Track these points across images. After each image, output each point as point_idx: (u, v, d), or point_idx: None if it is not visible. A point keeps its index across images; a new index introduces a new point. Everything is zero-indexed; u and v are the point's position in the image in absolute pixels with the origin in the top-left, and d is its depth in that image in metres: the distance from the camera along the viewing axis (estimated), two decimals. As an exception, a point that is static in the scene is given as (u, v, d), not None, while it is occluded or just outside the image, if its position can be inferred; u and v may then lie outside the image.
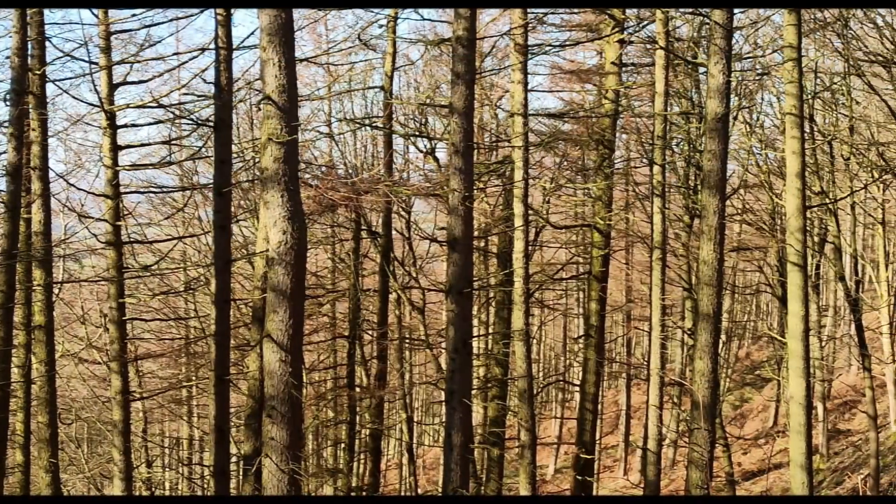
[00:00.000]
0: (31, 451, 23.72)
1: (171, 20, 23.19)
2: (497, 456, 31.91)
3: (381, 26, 29.48)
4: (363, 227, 31.95)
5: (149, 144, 26.61)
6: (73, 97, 26.04)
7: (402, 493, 45.14)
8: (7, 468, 23.47)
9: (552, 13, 28.11)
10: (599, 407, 40.09)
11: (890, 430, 34.73)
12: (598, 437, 38.38)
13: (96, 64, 23.44)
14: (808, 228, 25.92)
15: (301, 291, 15.09)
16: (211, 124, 22.01)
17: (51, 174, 23.02)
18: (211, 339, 22.83)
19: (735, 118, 28.74)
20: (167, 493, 46.68)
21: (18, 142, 19.84)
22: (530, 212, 26.27)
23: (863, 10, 23.09)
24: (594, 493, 34.76)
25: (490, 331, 36.56)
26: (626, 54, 29.46)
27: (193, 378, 36.93)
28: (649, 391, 26.17)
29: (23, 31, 19.64)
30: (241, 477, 23.25)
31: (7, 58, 20.41)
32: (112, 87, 23.75)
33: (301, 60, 27.57)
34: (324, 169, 32.40)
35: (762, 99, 33.42)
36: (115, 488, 24.13)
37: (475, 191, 22.72)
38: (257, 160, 25.96)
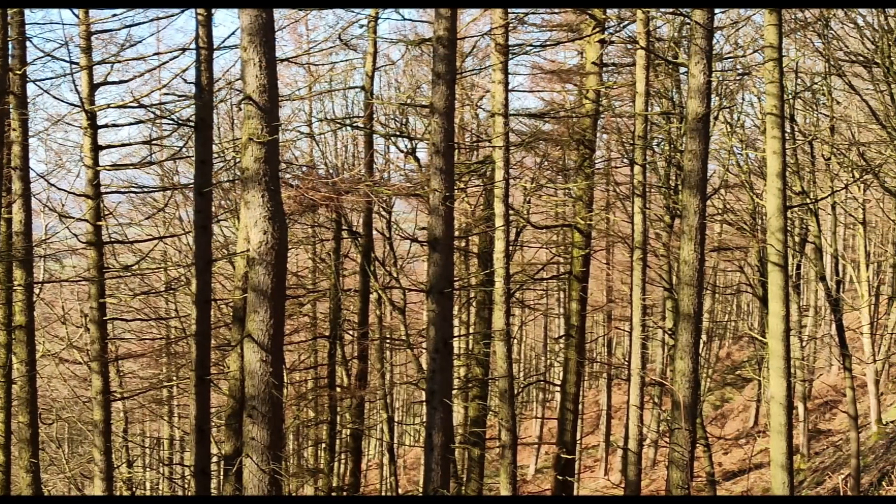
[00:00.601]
0: (12, 451, 23.62)
1: (151, 20, 23.16)
2: (478, 456, 31.90)
3: (361, 26, 29.54)
4: (344, 227, 31.91)
5: (129, 144, 26.56)
6: (54, 97, 25.90)
7: (383, 493, 45.14)
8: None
9: (533, 13, 28.14)
10: (580, 407, 40.17)
11: (870, 430, 34.81)
12: (578, 437, 38.43)
13: (77, 64, 23.39)
14: (788, 228, 26.06)
15: (282, 291, 15.08)
16: (191, 124, 22.02)
17: (31, 174, 22.87)
18: (192, 339, 22.77)
19: (716, 118, 28.79)
20: (148, 493, 46.59)
21: (-1, 142, 19.80)
22: (511, 212, 26.30)
23: (843, 10, 23.18)
24: (575, 493, 34.83)
25: (471, 331, 36.53)
26: (606, 54, 29.51)
27: (174, 378, 36.85)
28: (630, 391, 26.20)
29: (3, 31, 19.58)
30: (221, 477, 23.16)
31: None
32: (93, 87, 23.71)
33: (282, 60, 27.54)
34: (305, 169, 32.38)
35: (743, 99, 33.52)
36: (96, 488, 24.07)
37: (456, 191, 22.67)
38: (238, 160, 25.97)
